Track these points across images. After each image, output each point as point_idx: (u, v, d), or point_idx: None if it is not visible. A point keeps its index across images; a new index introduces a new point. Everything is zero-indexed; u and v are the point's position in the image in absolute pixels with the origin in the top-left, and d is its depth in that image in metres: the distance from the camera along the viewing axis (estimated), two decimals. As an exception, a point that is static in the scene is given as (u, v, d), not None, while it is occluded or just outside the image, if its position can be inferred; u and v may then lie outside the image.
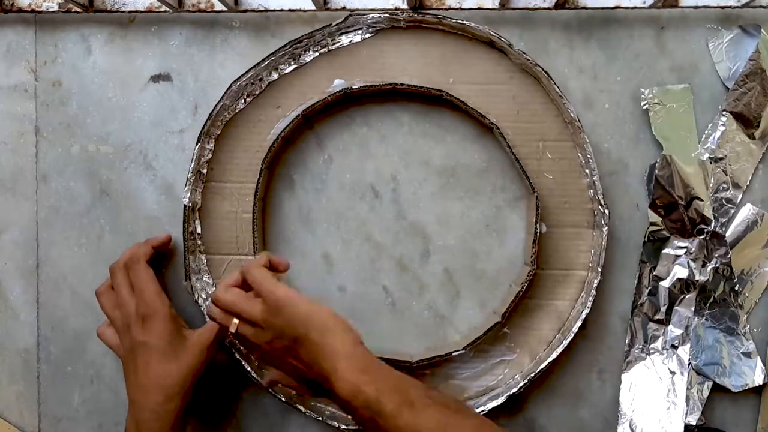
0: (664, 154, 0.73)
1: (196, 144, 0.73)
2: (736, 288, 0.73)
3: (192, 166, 0.73)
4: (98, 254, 0.77)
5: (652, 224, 0.73)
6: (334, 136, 0.76)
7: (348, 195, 0.76)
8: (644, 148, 0.75)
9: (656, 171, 0.73)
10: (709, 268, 0.73)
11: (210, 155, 0.74)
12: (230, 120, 0.74)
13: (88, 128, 0.78)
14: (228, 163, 0.75)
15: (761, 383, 0.72)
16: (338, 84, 0.74)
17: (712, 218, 0.73)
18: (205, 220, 0.75)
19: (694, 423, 0.72)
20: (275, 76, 0.74)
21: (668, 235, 0.73)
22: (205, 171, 0.74)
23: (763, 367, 0.73)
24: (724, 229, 0.73)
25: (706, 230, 0.73)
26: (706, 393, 0.73)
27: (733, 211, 0.74)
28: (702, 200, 0.73)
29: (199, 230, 0.75)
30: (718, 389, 0.73)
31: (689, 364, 0.73)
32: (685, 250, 0.73)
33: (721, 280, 0.73)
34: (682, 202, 0.73)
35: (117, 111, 0.77)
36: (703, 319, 0.73)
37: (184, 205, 0.73)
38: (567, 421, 0.75)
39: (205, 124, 0.73)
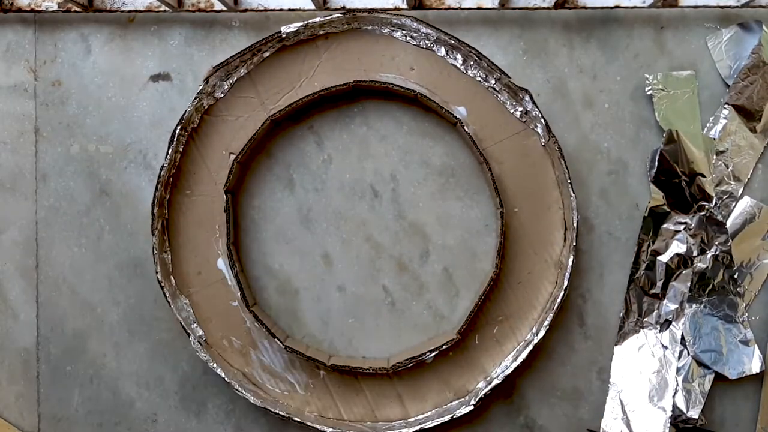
0: (671, 129, 0.73)
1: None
2: (735, 276, 0.73)
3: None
4: (98, 254, 0.77)
5: (654, 199, 0.73)
6: (333, 136, 0.76)
7: (348, 195, 0.76)
8: (644, 148, 0.75)
9: (662, 146, 0.73)
10: (708, 255, 0.73)
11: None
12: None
13: (87, 128, 0.78)
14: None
15: (758, 371, 0.73)
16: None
17: (713, 195, 0.73)
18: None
19: (695, 417, 0.72)
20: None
21: (669, 210, 0.73)
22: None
23: (761, 356, 0.73)
24: (724, 219, 0.74)
25: (707, 206, 0.73)
26: (707, 386, 0.73)
27: (733, 204, 0.74)
28: (705, 176, 0.73)
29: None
30: (719, 387, 0.74)
31: (682, 342, 0.73)
32: (684, 225, 0.73)
33: (721, 268, 0.73)
34: (686, 178, 0.73)
35: (117, 111, 0.77)
36: (702, 306, 0.73)
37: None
38: (567, 421, 0.75)
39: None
